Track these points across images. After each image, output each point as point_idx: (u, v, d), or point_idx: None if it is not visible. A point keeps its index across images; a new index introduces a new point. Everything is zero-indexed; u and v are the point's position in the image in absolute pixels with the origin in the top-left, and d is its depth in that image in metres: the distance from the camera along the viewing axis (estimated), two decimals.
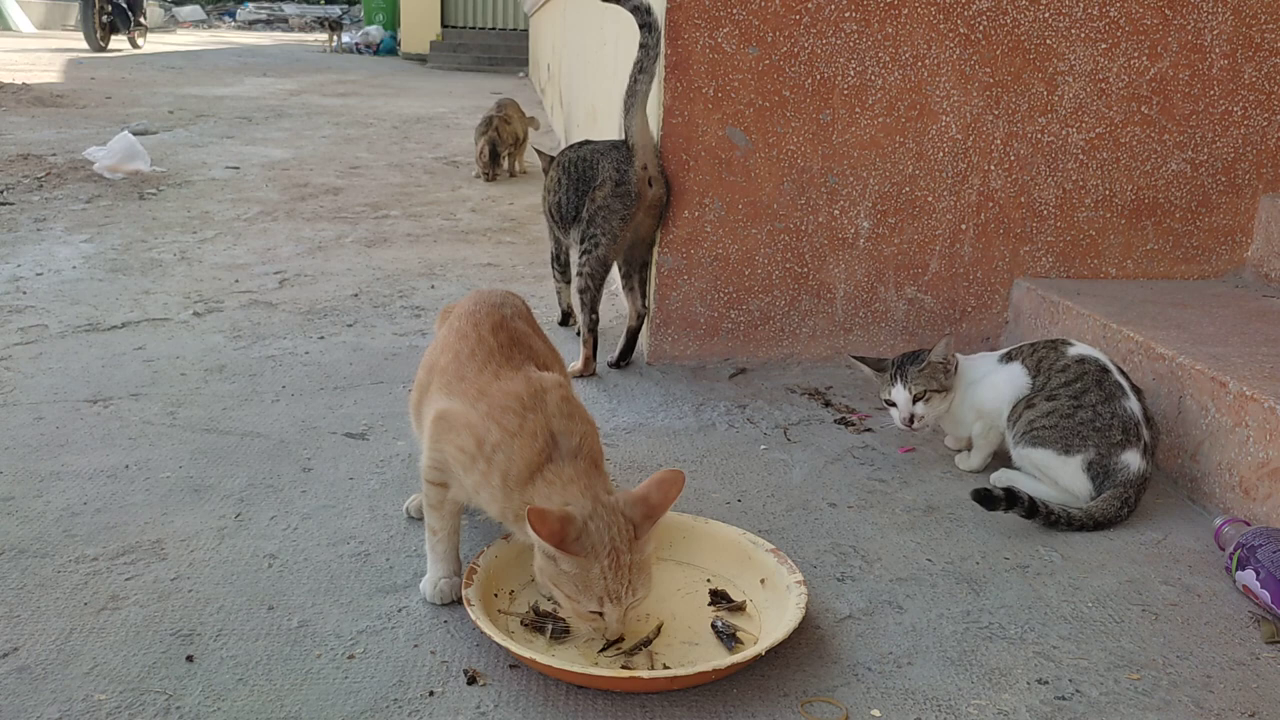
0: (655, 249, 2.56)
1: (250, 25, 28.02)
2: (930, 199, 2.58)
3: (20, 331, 2.66)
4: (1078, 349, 1.94)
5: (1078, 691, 1.36)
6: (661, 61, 2.42)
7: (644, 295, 2.60)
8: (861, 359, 2.10)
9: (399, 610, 1.49)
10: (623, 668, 1.34)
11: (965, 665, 1.41)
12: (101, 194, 4.54)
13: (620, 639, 1.39)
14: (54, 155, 5.39)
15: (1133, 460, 1.83)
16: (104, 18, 13.97)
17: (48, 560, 1.58)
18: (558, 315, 2.93)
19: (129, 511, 1.74)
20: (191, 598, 1.49)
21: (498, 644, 1.33)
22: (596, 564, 1.28)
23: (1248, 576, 1.58)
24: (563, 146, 3.11)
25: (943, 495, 1.95)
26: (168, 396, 2.27)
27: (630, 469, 2.00)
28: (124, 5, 14.35)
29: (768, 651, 1.35)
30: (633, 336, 2.60)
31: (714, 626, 1.45)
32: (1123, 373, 1.90)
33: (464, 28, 17.02)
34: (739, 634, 1.43)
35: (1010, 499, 1.76)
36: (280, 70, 12.71)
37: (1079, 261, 2.66)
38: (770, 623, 1.45)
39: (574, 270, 2.57)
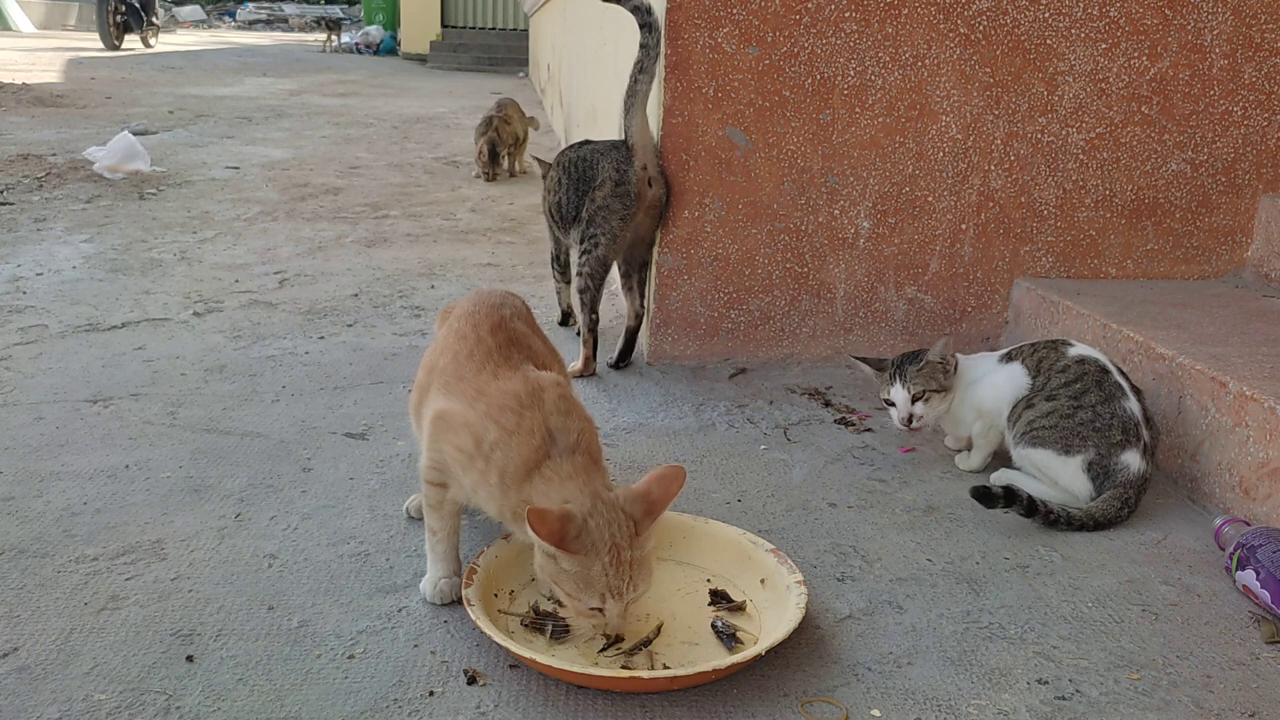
0: (655, 249, 2.56)
1: (250, 25, 28.05)
2: (930, 199, 2.58)
3: (20, 331, 2.66)
4: (1078, 349, 1.94)
5: (1078, 691, 1.36)
6: (661, 61, 2.42)
7: (642, 295, 2.60)
8: (861, 359, 2.10)
9: (399, 610, 1.49)
10: (623, 668, 1.34)
11: (965, 665, 1.41)
12: (101, 194, 4.54)
13: (620, 638, 1.39)
14: (54, 155, 5.39)
15: (1133, 460, 1.83)
16: (118, 17, 14.14)
17: (48, 560, 1.58)
18: (558, 315, 2.93)
19: (129, 511, 1.74)
20: (191, 598, 1.49)
21: (498, 644, 1.33)
22: (597, 561, 1.28)
23: (1248, 576, 1.58)
24: (563, 147, 3.11)
25: (943, 495, 1.95)
26: (168, 396, 2.27)
27: (630, 469, 2.00)
28: (136, 5, 14.56)
29: (768, 651, 1.35)
30: (631, 336, 2.60)
31: (714, 626, 1.45)
32: (1123, 373, 1.90)
33: (464, 28, 17.04)
34: (739, 634, 1.43)
35: (1009, 497, 1.76)
36: (280, 70, 12.72)
37: (1079, 261, 2.66)
38: (770, 623, 1.45)
39: (574, 270, 2.57)
